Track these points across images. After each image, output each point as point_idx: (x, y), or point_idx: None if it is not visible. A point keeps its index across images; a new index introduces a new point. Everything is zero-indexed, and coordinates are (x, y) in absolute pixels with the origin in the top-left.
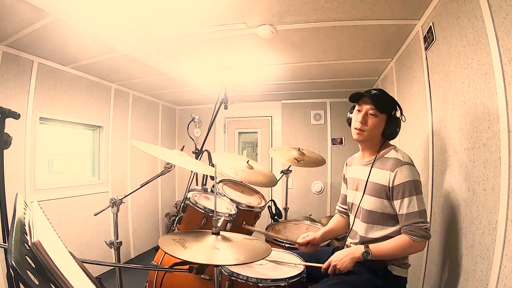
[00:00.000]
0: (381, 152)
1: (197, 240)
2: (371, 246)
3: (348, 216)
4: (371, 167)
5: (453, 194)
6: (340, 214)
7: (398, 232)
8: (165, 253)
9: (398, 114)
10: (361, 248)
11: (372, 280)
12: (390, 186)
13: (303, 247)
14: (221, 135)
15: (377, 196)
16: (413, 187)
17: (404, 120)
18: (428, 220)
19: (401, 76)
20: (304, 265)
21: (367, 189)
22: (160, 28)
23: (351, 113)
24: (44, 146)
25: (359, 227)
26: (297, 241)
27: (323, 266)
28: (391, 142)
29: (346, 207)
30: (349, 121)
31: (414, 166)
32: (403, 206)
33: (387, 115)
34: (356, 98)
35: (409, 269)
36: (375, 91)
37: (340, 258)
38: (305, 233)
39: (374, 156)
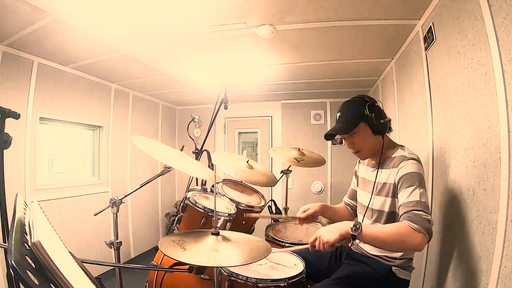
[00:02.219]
0: (389, 153)
1: (197, 241)
2: (363, 224)
3: (353, 210)
4: (378, 168)
5: (453, 194)
6: (345, 206)
7: None
8: (164, 254)
9: (368, 110)
10: (351, 222)
11: (375, 282)
12: (396, 181)
13: (303, 221)
14: (221, 135)
15: (386, 195)
16: (417, 179)
17: (377, 102)
18: (433, 218)
19: (401, 76)
20: (290, 251)
21: (376, 190)
22: (160, 28)
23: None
24: (44, 146)
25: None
26: (298, 215)
27: (310, 240)
28: (396, 140)
29: (353, 202)
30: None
31: (419, 162)
32: (404, 196)
33: (362, 121)
34: (331, 137)
35: None
36: (339, 113)
37: (326, 230)
38: (306, 206)
39: (380, 158)
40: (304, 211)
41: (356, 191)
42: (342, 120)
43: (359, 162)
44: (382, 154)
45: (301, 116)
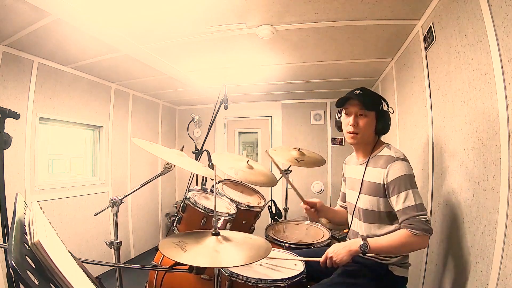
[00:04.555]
0: (375, 151)
1: (197, 242)
2: (369, 240)
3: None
4: (366, 166)
5: (453, 194)
6: (342, 208)
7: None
8: (165, 256)
9: (385, 107)
10: (359, 241)
11: (373, 280)
12: (385, 183)
13: (307, 206)
14: (221, 135)
15: (373, 194)
16: (408, 181)
17: (392, 112)
18: (429, 214)
19: (401, 76)
20: (302, 260)
21: (362, 188)
22: (160, 28)
23: (339, 117)
24: (44, 146)
25: (359, 227)
26: (305, 199)
27: (321, 259)
28: (388, 140)
29: (345, 205)
30: (337, 125)
31: (407, 161)
32: (399, 201)
33: (375, 112)
34: (343, 102)
35: (409, 269)
36: (359, 91)
37: (337, 251)
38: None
39: (369, 156)
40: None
41: (345, 194)
42: (361, 95)
43: (345, 164)
44: (371, 152)
45: (301, 116)
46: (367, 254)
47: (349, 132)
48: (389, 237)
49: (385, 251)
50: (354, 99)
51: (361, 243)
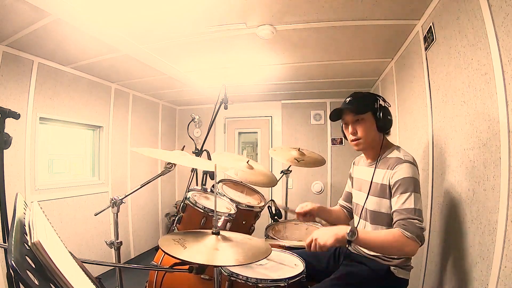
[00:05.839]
0: (385, 153)
1: (197, 240)
2: (359, 229)
3: (349, 212)
4: (375, 168)
5: (453, 194)
6: (341, 208)
7: None
8: (165, 253)
9: (381, 103)
10: (347, 227)
11: (374, 281)
12: (390, 183)
13: (302, 217)
14: (221, 135)
15: (381, 196)
16: (412, 184)
17: (389, 106)
18: (425, 224)
19: (401, 76)
20: (288, 246)
21: (371, 190)
22: (160, 28)
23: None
24: (44, 146)
25: (366, 229)
26: (296, 211)
27: (307, 242)
28: (394, 142)
29: (349, 204)
30: (344, 136)
31: (415, 165)
32: (398, 202)
33: (371, 111)
34: (337, 115)
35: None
36: (349, 98)
37: (322, 233)
38: (304, 203)
39: (377, 157)
40: (302, 208)
41: (351, 193)
42: (352, 102)
43: (353, 164)
44: (380, 153)
45: (301, 116)
46: (366, 252)
47: (352, 141)
48: (379, 232)
49: (372, 244)
50: (345, 109)
51: (350, 229)
